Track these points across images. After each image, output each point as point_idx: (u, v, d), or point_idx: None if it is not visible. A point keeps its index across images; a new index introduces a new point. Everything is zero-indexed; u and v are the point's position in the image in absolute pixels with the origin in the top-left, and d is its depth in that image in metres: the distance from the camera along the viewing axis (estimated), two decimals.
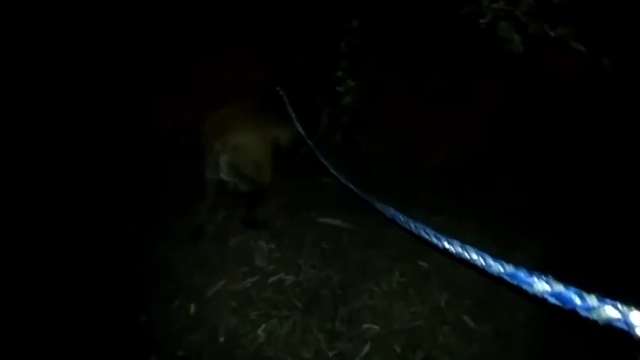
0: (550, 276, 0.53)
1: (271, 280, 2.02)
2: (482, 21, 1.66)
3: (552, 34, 1.57)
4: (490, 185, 2.41)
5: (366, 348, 1.67)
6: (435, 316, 1.77)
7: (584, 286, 0.48)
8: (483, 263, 0.67)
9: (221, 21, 2.69)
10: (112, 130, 2.78)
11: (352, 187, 1.42)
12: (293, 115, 2.11)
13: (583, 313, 0.47)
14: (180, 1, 2.74)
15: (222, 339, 1.79)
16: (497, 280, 0.63)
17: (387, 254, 2.07)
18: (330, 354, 1.67)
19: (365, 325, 1.76)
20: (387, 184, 2.50)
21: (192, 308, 1.91)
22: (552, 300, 0.51)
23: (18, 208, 2.30)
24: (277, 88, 2.22)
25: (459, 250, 0.74)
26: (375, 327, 1.75)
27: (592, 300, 0.46)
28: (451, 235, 0.80)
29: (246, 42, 2.70)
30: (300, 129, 2.09)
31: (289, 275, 2.03)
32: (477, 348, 1.64)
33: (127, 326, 1.84)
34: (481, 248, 0.70)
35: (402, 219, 1.00)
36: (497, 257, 0.64)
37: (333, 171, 1.60)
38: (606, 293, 0.45)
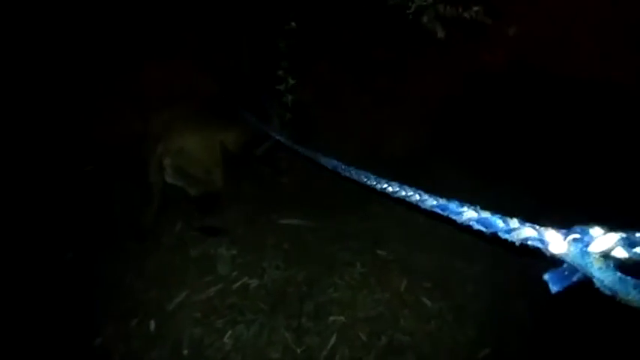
0: (478, 206, 0.57)
1: (235, 286, 1.99)
2: (408, 12, 1.80)
3: (467, 15, 1.74)
4: (438, 174, 2.55)
5: (333, 340, 1.70)
6: (395, 301, 1.84)
7: None
8: (418, 198, 0.71)
9: (164, 27, 2.65)
10: (55, 145, 2.61)
11: (294, 145, 1.46)
12: (249, 117, 2.12)
13: (503, 235, 0.51)
14: (121, 8, 2.66)
15: (185, 352, 1.74)
16: (431, 213, 0.67)
17: (348, 247, 2.12)
18: (299, 350, 1.68)
19: (331, 318, 1.79)
20: (342, 182, 2.56)
21: (153, 324, 1.84)
22: (477, 226, 0.55)
23: None
24: (226, 92, 2.22)
25: (397, 189, 0.79)
26: (341, 318, 1.78)
27: (514, 223, 0.50)
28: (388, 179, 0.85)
29: (189, 48, 2.68)
30: (258, 128, 2.10)
31: (253, 279, 2.02)
32: (435, 325, 1.72)
33: (82, 350, 1.73)
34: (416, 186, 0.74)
35: (343, 168, 1.06)
36: (431, 193, 0.69)
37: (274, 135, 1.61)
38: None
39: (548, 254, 0.44)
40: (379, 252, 2.07)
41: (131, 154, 2.28)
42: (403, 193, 0.75)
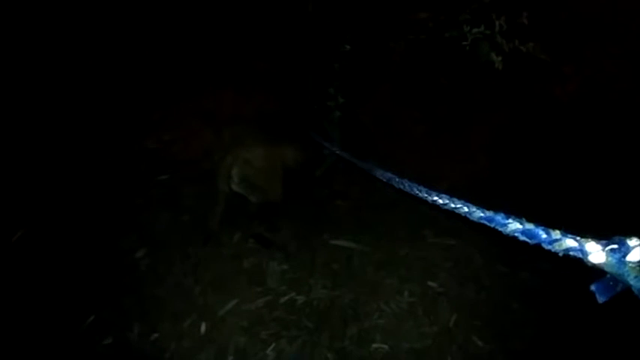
0: (524, 219, 0.59)
1: (283, 300, 2.04)
2: (464, 43, 1.83)
3: (524, 49, 1.72)
4: (494, 208, 2.43)
5: None
6: (443, 336, 1.75)
7: None
8: (466, 210, 0.74)
9: (237, 56, 2.96)
10: (136, 155, 2.97)
11: (352, 158, 1.48)
12: (314, 136, 2.28)
13: (546, 246, 0.53)
14: (193, 38, 3.05)
15: (230, 358, 1.80)
16: (478, 224, 0.69)
17: (397, 275, 2.08)
18: None
19: (374, 345, 1.76)
20: (397, 207, 2.55)
21: (203, 327, 1.94)
22: (522, 237, 0.57)
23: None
24: (291, 113, 2.42)
25: (446, 201, 0.82)
26: (384, 346, 1.74)
27: (556, 234, 0.52)
28: (440, 192, 0.88)
29: (259, 73, 2.94)
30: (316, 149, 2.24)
31: (300, 295, 2.06)
32: None
33: (140, 344, 1.87)
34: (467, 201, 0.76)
35: (397, 180, 1.11)
36: (480, 206, 0.71)
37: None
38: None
39: (589, 264, 0.46)
40: (429, 283, 2.01)
41: (202, 166, 2.52)
42: (452, 206, 0.79)
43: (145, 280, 2.18)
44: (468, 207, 0.74)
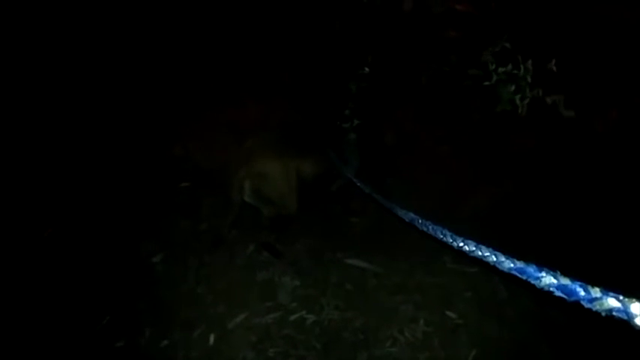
0: (558, 272, 0.55)
1: (293, 317, 2.00)
2: (486, 83, 1.77)
3: (548, 100, 1.65)
4: (519, 235, 2.31)
5: None
6: None
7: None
8: (495, 259, 0.69)
9: (262, 69, 3.03)
10: (159, 164, 3.06)
11: (373, 193, 1.46)
12: (330, 153, 2.25)
13: (586, 305, 0.49)
14: (222, 50, 3.15)
15: None
16: (508, 275, 0.65)
17: (414, 301, 2.00)
18: None
19: None
20: (415, 230, 2.47)
21: (212, 338, 1.92)
22: (558, 293, 0.53)
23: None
24: (310, 126, 2.40)
25: (473, 248, 0.76)
26: None
27: (595, 292, 0.48)
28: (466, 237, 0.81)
29: (283, 86, 2.98)
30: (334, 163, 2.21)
31: (311, 314, 2.01)
32: None
33: (149, 350, 1.87)
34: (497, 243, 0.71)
35: (420, 222, 1.05)
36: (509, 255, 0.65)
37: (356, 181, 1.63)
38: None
39: (635, 328, 0.42)
40: (447, 313, 1.90)
41: (222, 176, 2.54)
42: (479, 253, 0.73)
43: (159, 285, 2.21)
44: (496, 256, 0.69)
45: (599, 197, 2.38)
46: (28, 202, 2.57)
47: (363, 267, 2.24)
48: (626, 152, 2.38)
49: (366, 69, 2.37)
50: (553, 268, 0.56)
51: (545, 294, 0.55)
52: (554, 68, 1.81)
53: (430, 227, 0.99)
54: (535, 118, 2.20)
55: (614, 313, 0.45)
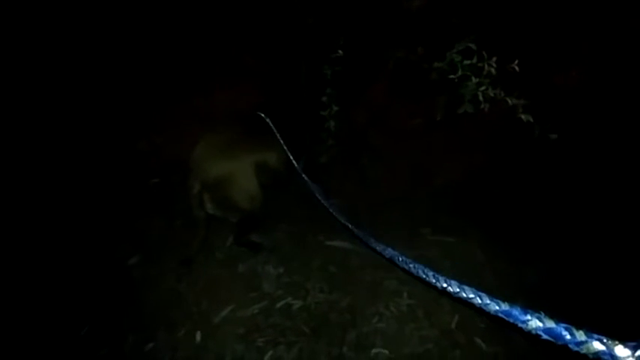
0: (542, 313, 0.57)
1: (279, 305, 1.99)
2: (452, 77, 1.76)
3: (509, 101, 1.66)
4: (495, 203, 2.37)
5: None
6: (445, 338, 1.70)
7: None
8: (480, 302, 0.69)
9: (230, 54, 2.89)
10: (126, 158, 2.91)
11: (350, 225, 1.42)
12: (280, 139, 2.14)
13: (574, 348, 0.51)
14: (186, 38, 2.98)
15: None
16: (494, 318, 0.65)
17: (396, 276, 2.02)
18: None
19: (374, 350, 1.70)
20: (393, 205, 2.49)
21: (199, 336, 1.89)
22: (545, 336, 0.55)
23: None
24: (260, 114, 2.24)
25: (457, 289, 0.75)
26: (385, 351, 1.69)
27: (580, 335, 0.50)
28: (450, 277, 0.81)
29: (251, 73, 2.86)
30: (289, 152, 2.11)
31: (297, 300, 2.00)
32: None
33: (134, 356, 1.83)
34: (477, 288, 0.72)
35: (401, 259, 0.99)
36: (493, 296, 0.67)
37: (331, 210, 1.58)
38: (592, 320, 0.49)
39: None
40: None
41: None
42: (464, 295, 0.73)
43: (138, 288, 2.14)
44: (481, 298, 0.68)
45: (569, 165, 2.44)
46: None
47: (345, 247, 2.24)
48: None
49: (340, 52, 2.25)
50: (536, 309, 0.58)
51: (533, 337, 0.57)
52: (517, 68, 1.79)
53: (412, 266, 0.94)
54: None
55: (600, 356, 0.46)
